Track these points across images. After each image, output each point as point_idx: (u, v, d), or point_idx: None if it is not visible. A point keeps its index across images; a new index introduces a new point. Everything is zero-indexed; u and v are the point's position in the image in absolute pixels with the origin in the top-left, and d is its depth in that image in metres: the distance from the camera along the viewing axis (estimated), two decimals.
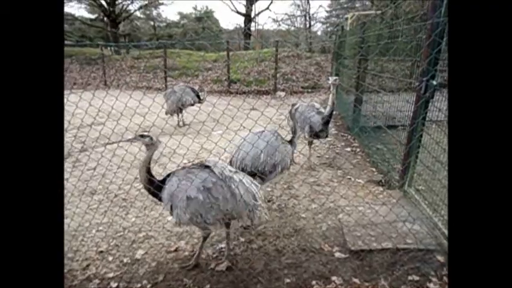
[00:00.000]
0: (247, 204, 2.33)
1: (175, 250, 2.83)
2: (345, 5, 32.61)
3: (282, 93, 12.12)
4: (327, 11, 34.56)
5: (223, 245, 2.87)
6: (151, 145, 2.39)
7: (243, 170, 3.10)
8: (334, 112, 4.24)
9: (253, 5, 23.74)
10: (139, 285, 2.45)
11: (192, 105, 7.20)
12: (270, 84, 12.81)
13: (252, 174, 3.03)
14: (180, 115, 7.34)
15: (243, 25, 25.78)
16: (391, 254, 2.66)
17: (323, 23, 35.45)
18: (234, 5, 23.61)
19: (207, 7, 36.47)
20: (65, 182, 4.12)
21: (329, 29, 34.13)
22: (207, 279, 2.49)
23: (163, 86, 13.18)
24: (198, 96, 7.31)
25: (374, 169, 4.60)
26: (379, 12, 8.62)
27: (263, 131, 3.28)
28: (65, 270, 2.62)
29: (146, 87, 13.12)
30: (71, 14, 28.73)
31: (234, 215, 2.34)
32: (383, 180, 4.11)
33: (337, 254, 2.71)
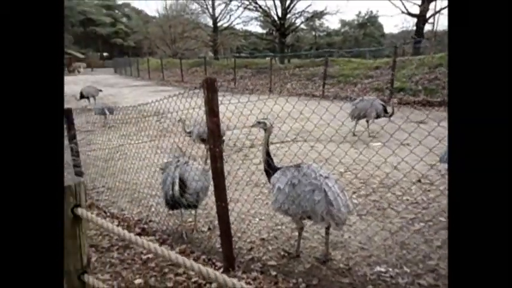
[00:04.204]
0: (329, 205, 2.44)
1: (330, 259, 2.80)
2: None
3: None
4: None
5: (382, 269, 2.62)
6: (267, 129, 2.87)
7: None
8: None
9: (433, 3, 20.51)
10: (294, 280, 2.56)
11: (377, 118, 7.06)
12: (444, 94, 10.81)
13: None
14: (359, 122, 7.30)
15: (411, 27, 22.97)
16: None
17: None
18: (405, 6, 21.05)
19: (371, 12, 34.90)
20: (236, 172, 4.87)
21: None
22: None
23: (321, 93, 13.55)
24: (386, 110, 7.09)
25: None
26: None
27: None
28: (235, 247, 3.07)
29: (305, 93, 13.85)
30: (248, 30, 34.32)
31: (310, 214, 2.54)
32: None
33: None
